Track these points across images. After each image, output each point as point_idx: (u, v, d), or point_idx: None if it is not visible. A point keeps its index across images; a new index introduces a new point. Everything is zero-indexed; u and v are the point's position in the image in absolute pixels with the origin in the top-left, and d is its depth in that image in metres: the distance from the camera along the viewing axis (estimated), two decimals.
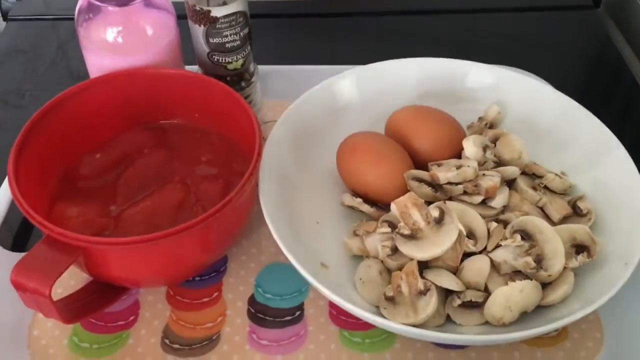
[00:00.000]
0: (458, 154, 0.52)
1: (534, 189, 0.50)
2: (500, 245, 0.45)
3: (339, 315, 0.47)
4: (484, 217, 0.47)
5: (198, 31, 0.52)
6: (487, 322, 0.43)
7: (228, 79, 0.55)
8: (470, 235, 0.45)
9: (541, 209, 0.49)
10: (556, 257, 0.44)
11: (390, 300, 0.44)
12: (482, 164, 0.50)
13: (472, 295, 0.43)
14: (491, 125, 0.55)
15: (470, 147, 0.50)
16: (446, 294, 0.45)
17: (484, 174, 0.48)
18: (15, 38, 0.74)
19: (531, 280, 0.43)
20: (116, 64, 0.51)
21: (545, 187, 0.50)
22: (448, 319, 0.44)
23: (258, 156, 0.45)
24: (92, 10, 0.51)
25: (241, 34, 0.53)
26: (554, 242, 0.44)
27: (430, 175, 0.49)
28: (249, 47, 0.54)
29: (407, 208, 0.46)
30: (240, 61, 0.54)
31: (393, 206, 0.46)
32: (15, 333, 0.46)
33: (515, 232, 0.45)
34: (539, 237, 0.44)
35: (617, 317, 0.47)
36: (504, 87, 0.56)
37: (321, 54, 0.72)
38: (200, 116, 0.53)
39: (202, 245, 0.45)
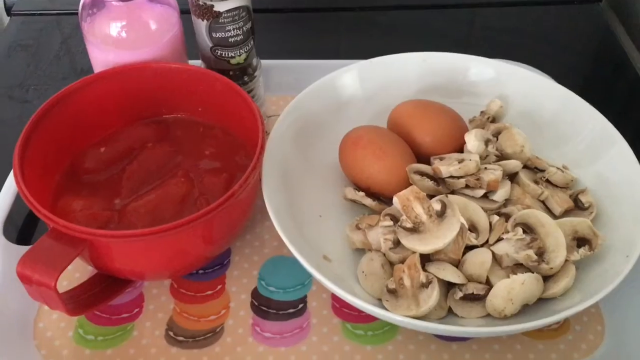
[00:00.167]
0: (460, 147, 0.52)
1: (536, 182, 0.50)
2: (502, 239, 0.45)
3: (341, 308, 0.48)
4: (485, 210, 0.47)
5: (201, 26, 0.52)
6: (488, 315, 0.44)
7: (231, 73, 0.55)
8: (472, 228, 0.46)
9: (543, 202, 0.49)
10: (558, 250, 0.44)
11: (393, 292, 0.44)
12: (484, 158, 0.50)
13: (473, 288, 0.44)
14: (493, 119, 0.55)
15: (472, 140, 0.50)
16: (448, 286, 0.45)
17: (485, 168, 0.49)
18: (19, 33, 0.75)
19: (533, 273, 0.43)
20: (120, 59, 0.51)
21: (547, 181, 0.50)
22: (450, 311, 0.45)
23: (261, 149, 0.46)
24: (96, 5, 0.51)
25: (244, 28, 0.53)
26: (555, 235, 0.44)
27: (433, 168, 0.49)
28: (251, 42, 0.55)
29: (409, 201, 0.46)
30: (243, 56, 0.54)
31: (395, 199, 0.46)
32: (21, 325, 0.47)
33: (517, 225, 0.45)
34: (540, 230, 0.44)
35: (618, 310, 0.47)
36: (506, 81, 0.56)
37: (324, 48, 0.72)
38: (204, 110, 0.54)
39: (205, 238, 0.45)
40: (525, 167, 0.51)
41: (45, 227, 0.43)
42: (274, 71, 0.65)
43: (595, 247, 0.45)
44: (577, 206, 0.49)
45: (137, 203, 0.47)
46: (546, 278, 0.44)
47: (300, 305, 0.48)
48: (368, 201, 0.50)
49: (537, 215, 0.45)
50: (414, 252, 0.45)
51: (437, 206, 0.45)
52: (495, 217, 0.46)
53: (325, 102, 0.55)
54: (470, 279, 0.44)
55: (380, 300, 0.45)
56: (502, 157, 0.51)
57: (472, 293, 0.44)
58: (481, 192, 0.48)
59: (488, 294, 0.43)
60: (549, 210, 0.49)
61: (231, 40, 0.53)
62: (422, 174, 0.49)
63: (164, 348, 0.46)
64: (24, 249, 0.42)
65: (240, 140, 0.52)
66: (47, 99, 0.49)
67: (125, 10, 0.50)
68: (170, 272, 0.48)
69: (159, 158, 0.51)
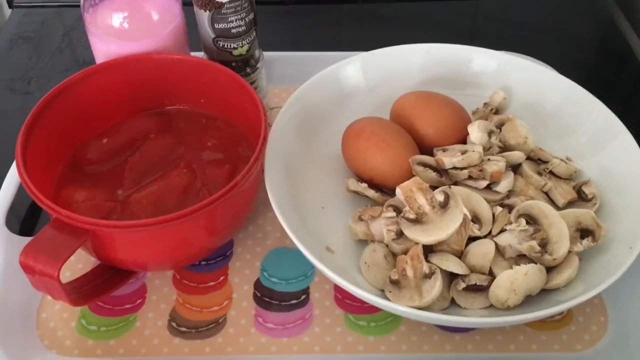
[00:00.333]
0: (463, 139, 0.52)
1: (539, 174, 0.50)
2: (505, 230, 0.45)
3: (344, 299, 0.48)
4: (489, 201, 0.47)
5: (203, 16, 0.52)
6: (491, 306, 0.44)
7: (233, 64, 0.55)
8: (475, 219, 0.46)
9: (546, 194, 0.49)
10: (561, 241, 0.44)
11: (395, 283, 0.44)
12: (487, 149, 0.50)
13: (476, 279, 0.44)
14: (497, 111, 0.55)
15: (475, 132, 0.50)
16: (451, 277, 0.45)
17: (489, 159, 0.48)
18: (21, 25, 0.75)
19: (536, 264, 0.43)
20: (122, 50, 0.51)
21: (551, 172, 0.50)
22: (453, 302, 0.45)
23: (264, 140, 0.46)
24: None
25: (246, 19, 0.53)
26: (558, 226, 0.44)
27: (436, 160, 0.49)
28: (254, 33, 0.54)
29: (412, 192, 0.46)
30: (246, 47, 0.54)
31: (398, 191, 0.46)
32: (24, 316, 0.47)
33: (520, 216, 0.45)
34: (543, 221, 0.44)
35: (621, 301, 0.47)
36: (509, 72, 0.56)
37: (327, 40, 0.72)
38: (206, 102, 0.53)
39: (208, 229, 0.45)
40: (528, 158, 0.51)
41: (48, 218, 0.43)
42: (276, 63, 0.65)
43: (599, 239, 0.45)
44: (581, 197, 0.49)
45: (140, 194, 0.47)
46: (549, 269, 0.44)
47: (303, 297, 0.48)
48: (371, 192, 0.50)
49: (541, 206, 0.45)
50: (416, 243, 0.45)
51: (440, 197, 0.45)
52: (499, 208, 0.46)
53: (328, 93, 0.55)
54: (473, 269, 0.44)
55: (383, 291, 0.45)
56: (505, 148, 0.51)
57: (475, 284, 0.44)
58: (484, 183, 0.48)
59: (491, 284, 0.43)
60: (552, 202, 0.49)
61: (233, 31, 0.53)
62: (425, 165, 0.49)
63: (166, 339, 0.46)
64: (27, 240, 0.42)
65: (243, 131, 0.52)
66: (49, 91, 0.49)
67: (128, 1, 0.50)
68: (173, 263, 0.48)
69: (162, 149, 0.51)
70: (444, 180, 0.48)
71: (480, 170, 0.48)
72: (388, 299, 0.43)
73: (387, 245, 0.47)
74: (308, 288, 0.48)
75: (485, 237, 0.45)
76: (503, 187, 0.48)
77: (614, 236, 0.45)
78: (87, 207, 0.46)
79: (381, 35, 0.72)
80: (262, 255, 0.50)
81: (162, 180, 0.48)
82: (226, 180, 0.46)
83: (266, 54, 0.59)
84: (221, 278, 0.49)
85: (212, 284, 0.49)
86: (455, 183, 0.49)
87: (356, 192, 0.51)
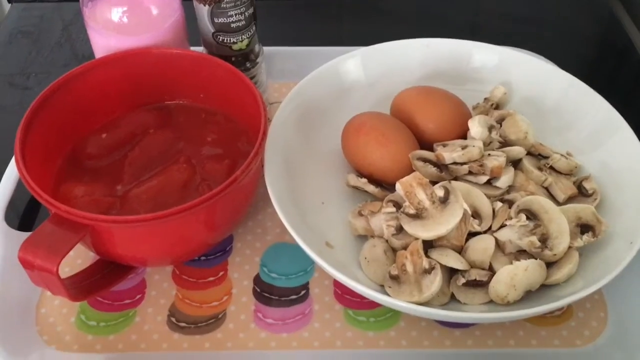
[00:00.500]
0: (463, 134, 0.51)
1: (540, 169, 0.50)
2: (505, 225, 0.45)
3: (343, 295, 0.48)
4: (489, 197, 0.47)
5: (203, 11, 0.52)
6: (491, 301, 0.44)
7: (233, 59, 0.55)
8: (475, 214, 0.45)
9: (546, 189, 0.49)
10: (561, 236, 0.44)
11: (395, 279, 0.44)
12: (487, 144, 0.50)
13: (476, 274, 0.43)
14: (497, 106, 0.55)
15: (476, 127, 0.50)
16: (451, 273, 0.45)
17: (489, 154, 0.48)
18: (20, 20, 0.74)
19: (536, 259, 0.43)
20: (121, 44, 0.51)
21: (551, 168, 0.50)
22: (452, 298, 0.44)
23: (263, 135, 0.45)
24: None
25: (246, 13, 0.52)
26: (559, 221, 0.44)
27: (436, 155, 0.49)
28: (254, 27, 0.54)
29: (412, 187, 0.46)
30: (245, 41, 0.54)
31: (398, 186, 0.46)
32: (23, 311, 0.47)
33: (520, 211, 0.45)
34: (544, 216, 0.44)
35: (621, 296, 0.47)
36: (510, 67, 0.56)
37: (327, 35, 0.72)
38: (206, 96, 0.53)
39: (207, 224, 0.45)
40: (529, 153, 0.51)
41: (47, 213, 0.43)
42: (276, 58, 0.65)
43: (599, 234, 0.45)
44: (581, 193, 0.49)
45: (139, 189, 0.47)
46: (549, 264, 0.44)
47: (303, 292, 0.48)
48: (371, 188, 0.50)
49: (541, 202, 0.45)
50: (416, 239, 0.45)
51: (440, 192, 0.45)
52: (499, 204, 0.46)
53: (328, 88, 0.55)
54: (473, 265, 0.44)
55: (382, 286, 0.45)
56: (505, 143, 0.51)
57: (475, 279, 0.43)
58: (484, 178, 0.48)
59: (491, 280, 0.43)
60: (552, 197, 0.49)
61: (233, 25, 0.52)
62: (425, 160, 0.49)
63: (166, 334, 0.46)
64: (26, 235, 0.42)
65: (243, 126, 0.51)
66: (48, 86, 0.48)
67: None
68: (172, 258, 0.48)
69: (161, 144, 0.50)
70: (444, 175, 0.48)
71: (481, 166, 0.47)
72: (388, 295, 0.43)
73: (386, 241, 0.47)
74: (308, 283, 0.48)
75: (485, 232, 0.45)
76: (503, 182, 0.48)
77: (614, 231, 0.45)
78: (87, 202, 0.46)
79: (382, 30, 0.72)
80: (261, 251, 0.50)
81: (162, 175, 0.48)
82: (226, 176, 0.46)
83: (266, 48, 0.58)
84: (221, 273, 0.49)
85: (211, 279, 0.49)
86: (456, 178, 0.49)
87: (356, 187, 0.51)
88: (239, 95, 0.50)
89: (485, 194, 0.46)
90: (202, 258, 0.50)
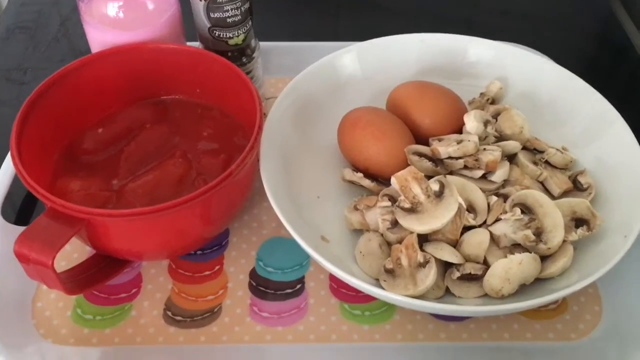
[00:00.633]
0: (459, 129, 0.52)
1: (535, 163, 0.50)
2: (500, 219, 0.45)
3: (339, 288, 0.48)
4: (484, 191, 0.47)
5: (199, 6, 0.52)
6: (486, 295, 0.44)
7: (229, 54, 0.55)
8: (470, 209, 0.46)
9: (542, 183, 0.49)
10: (555, 230, 0.44)
11: (390, 272, 0.44)
12: (483, 139, 0.50)
13: (471, 268, 0.44)
14: (493, 101, 0.55)
15: (471, 121, 0.50)
16: (445, 266, 0.45)
17: (484, 149, 0.48)
18: (17, 15, 0.74)
19: (530, 253, 0.43)
20: (117, 39, 0.51)
21: (546, 162, 0.50)
22: (447, 291, 0.45)
23: (259, 129, 0.46)
24: None
25: (242, 8, 0.52)
26: (553, 215, 0.44)
27: (431, 149, 0.49)
28: (250, 22, 0.54)
29: (407, 182, 0.46)
30: (242, 36, 0.54)
31: (393, 180, 0.46)
32: (19, 305, 0.47)
33: (515, 205, 0.45)
34: (538, 210, 0.44)
35: (616, 290, 0.47)
36: (506, 62, 0.56)
37: (323, 30, 0.72)
38: (202, 91, 0.53)
39: (203, 218, 0.45)
40: (524, 148, 0.51)
41: (44, 208, 0.43)
42: (273, 53, 0.64)
43: (594, 228, 0.45)
44: (576, 187, 0.49)
45: (135, 184, 0.47)
46: (544, 258, 0.44)
47: (298, 286, 0.48)
48: (366, 182, 0.50)
49: (535, 196, 0.45)
50: (411, 232, 0.45)
51: (435, 186, 0.45)
52: (494, 198, 0.46)
53: (324, 83, 0.55)
54: (467, 259, 0.44)
55: (377, 280, 0.45)
56: (501, 138, 0.51)
57: (470, 273, 0.44)
58: (480, 172, 0.48)
59: (485, 273, 0.43)
60: (547, 191, 0.49)
61: (229, 20, 0.52)
62: (421, 154, 0.49)
63: (162, 327, 0.46)
64: (23, 229, 0.42)
65: (239, 121, 0.51)
66: (43, 81, 0.48)
67: None
68: (168, 252, 0.48)
69: (157, 139, 0.50)
70: (440, 169, 0.48)
71: (476, 160, 0.48)
72: (383, 288, 0.43)
73: (382, 235, 0.47)
74: (303, 277, 0.48)
75: (480, 226, 0.45)
76: (498, 176, 0.48)
77: (608, 225, 0.45)
78: (83, 196, 0.46)
79: (378, 25, 0.72)
80: (257, 245, 0.50)
81: (158, 169, 0.48)
82: (222, 170, 0.46)
83: (263, 44, 0.58)
84: (217, 267, 0.49)
85: (207, 273, 0.49)
86: (451, 173, 0.49)
87: (352, 182, 0.51)
88: (235, 90, 0.50)
89: (480, 188, 0.47)
90: (198, 252, 0.50)
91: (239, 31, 0.54)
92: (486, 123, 0.50)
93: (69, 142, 0.50)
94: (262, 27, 0.58)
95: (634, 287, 0.47)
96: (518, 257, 0.43)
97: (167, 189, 0.47)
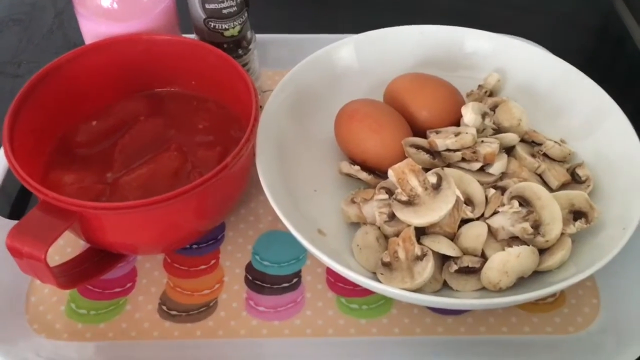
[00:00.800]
0: (457, 121, 0.51)
1: (533, 156, 0.49)
2: (497, 212, 0.45)
3: (336, 282, 0.47)
4: (482, 183, 0.46)
5: None
6: (483, 288, 0.43)
7: (225, 46, 0.54)
8: (468, 201, 0.45)
9: (540, 176, 0.49)
10: (553, 222, 0.43)
11: (387, 265, 0.44)
12: (481, 131, 0.50)
13: (469, 261, 0.43)
14: (491, 93, 0.55)
15: (469, 114, 0.49)
16: (443, 259, 0.45)
17: (482, 141, 0.48)
18: (11, 7, 0.74)
19: (528, 246, 0.43)
20: (111, 31, 0.50)
21: (545, 155, 0.50)
22: (445, 285, 0.44)
23: (255, 121, 0.45)
24: None
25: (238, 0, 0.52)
26: (551, 208, 0.44)
27: (429, 142, 0.49)
28: (246, 14, 0.54)
29: (405, 174, 0.45)
30: (237, 28, 0.53)
31: (390, 172, 0.46)
32: (12, 300, 0.46)
33: (513, 198, 0.44)
34: (536, 203, 0.44)
35: (614, 283, 0.47)
36: (504, 54, 0.56)
37: (321, 22, 0.72)
38: (197, 84, 0.53)
39: (198, 211, 0.45)
40: (522, 140, 0.50)
41: (38, 201, 0.42)
42: (270, 46, 0.64)
43: (592, 220, 0.44)
44: (574, 179, 0.49)
45: (129, 177, 0.47)
46: (542, 251, 0.44)
47: (295, 280, 0.48)
48: (363, 175, 0.49)
49: (533, 188, 0.44)
50: (408, 225, 0.44)
51: (432, 179, 0.45)
52: (491, 190, 0.46)
53: (321, 75, 0.55)
54: (465, 252, 0.44)
55: (375, 273, 0.44)
56: (499, 130, 0.50)
57: (467, 266, 0.43)
58: (477, 165, 0.47)
59: (483, 266, 0.43)
60: (545, 184, 0.48)
61: (225, 11, 0.52)
62: (418, 147, 0.48)
63: (157, 322, 0.45)
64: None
65: (235, 113, 0.51)
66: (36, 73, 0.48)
67: None
68: (163, 246, 0.48)
69: (152, 132, 0.50)
70: (437, 162, 0.48)
71: (474, 152, 0.47)
72: (380, 282, 0.43)
73: (379, 228, 0.46)
74: (300, 271, 0.48)
75: (477, 219, 0.45)
76: (496, 169, 0.47)
77: (606, 218, 0.45)
78: (76, 189, 0.45)
79: (376, 17, 0.71)
80: (254, 239, 0.50)
81: (153, 162, 0.48)
82: (217, 163, 0.45)
83: (260, 36, 0.58)
84: (212, 261, 0.49)
85: (203, 267, 0.48)
86: (449, 165, 0.48)
87: (349, 175, 0.50)
88: (231, 82, 0.49)
89: (478, 181, 0.46)
90: (194, 246, 0.50)
91: (235, 22, 0.53)
92: (484, 115, 0.50)
93: (62, 135, 0.50)
94: (258, 19, 0.57)
95: (632, 279, 0.47)
96: (516, 250, 0.42)
97: (162, 182, 0.46)
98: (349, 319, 0.45)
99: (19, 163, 0.42)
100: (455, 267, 0.43)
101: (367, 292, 0.46)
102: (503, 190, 0.45)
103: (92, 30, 0.51)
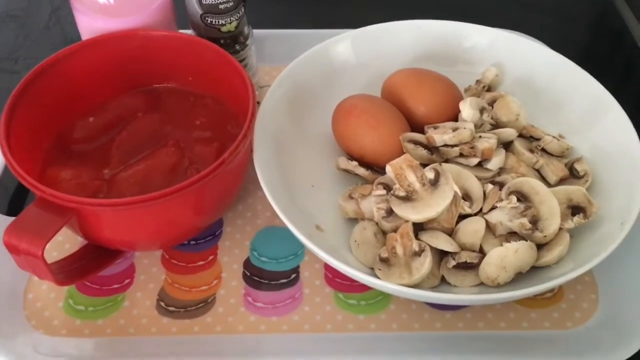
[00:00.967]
0: (455, 117, 0.51)
1: (531, 151, 0.49)
2: (495, 207, 0.45)
3: (334, 278, 0.47)
4: (480, 179, 0.46)
5: None
6: (481, 283, 0.43)
7: (222, 42, 0.54)
8: (466, 197, 0.45)
9: (538, 171, 0.49)
10: (552, 218, 0.43)
11: (385, 261, 0.44)
12: (479, 127, 0.49)
13: (467, 256, 0.43)
14: (489, 88, 0.55)
15: (467, 109, 0.49)
16: (441, 255, 0.44)
17: (480, 136, 0.48)
18: (8, 3, 0.73)
19: (526, 241, 0.43)
20: (108, 26, 0.50)
21: (543, 150, 0.50)
22: (443, 280, 0.44)
23: (252, 117, 0.45)
24: None
25: None
26: (549, 203, 0.44)
27: (427, 137, 0.48)
28: (242, 9, 0.54)
29: (402, 170, 0.45)
30: (234, 23, 0.53)
31: (388, 168, 0.46)
32: (10, 296, 0.46)
33: (511, 193, 0.44)
34: (534, 198, 0.44)
35: (612, 278, 0.47)
36: (501, 49, 0.56)
37: (318, 17, 0.71)
38: (194, 80, 0.53)
39: (196, 207, 0.45)
40: (520, 135, 0.50)
41: (35, 198, 0.42)
42: (267, 41, 0.64)
43: (590, 215, 0.44)
44: (573, 175, 0.48)
45: (127, 173, 0.46)
46: (540, 246, 0.44)
47: (293, 276, 0.48)
48: (361, 170, 0.49)
49: (531, 183, 0.44)
50: (406, 221, 0.44)
51: (430, 175, 0.45)
52: (489, 186, 0.45)
53: (318, 71, 0.55)
54: (463, 247, 0.44)
55: (372, 269, 0.44)
56: (497, 125, 0.50)
57: (465, 261, 0.43)
58: (475, 160, 0.47)
59: (481, 262, 0.43)
60: (544, 179, 0.48)
61: (221, 7, 0.52)
62: (416, 142, 0.48)
63: (155, 318, 0.45)
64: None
65: (232, 109, 0.51)
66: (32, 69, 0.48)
67: None
68: (161, 242, 0.48)
69: (149, 128, 0.50)
70: (435, 157, 0.48)
71: (472, 148, 0.47)
72: (378, 277, 0.43)
73: (377, 223, 0.46)
74: (298, 267, 0.48)
75: (475, 214, 0.45)
76: (494, 164, 0.47)
77: (605, 213, 0.45)
78: (73, 185, 0.45)
79: (374, 11, 0.71)
80: (251, 235, 0.50)
81: (150, 159, 0.47)
82: (215, 159, 0.45)
83: (257, 31, 0.58)
84: (210, 257, 0.49)
85: (201, 263, 0.48)
86: (446, 161, 0.48)
87: (346, 170, 0.50)
88: (228, 78, 0.49)
89: (476, 176, 0.46)
90: (192, 242, 0.50)
91: (232, 18, 0.53)
92: (482, 110, 0.50)
93: (59, 131, 0.50)
94: (255, 14, 0.57)
95: (630, 274, 0.47)
96: (514, 245, 0.42)
97: (159, 178, 0.46)
98: (347, 315, 0.45)
99: (15, 159, 0.42)
100: (453, 263, 0.43)
101: (365, 287, 0.46)
102: (501, 185, 0.45)
103: (89, 26, 0.51)
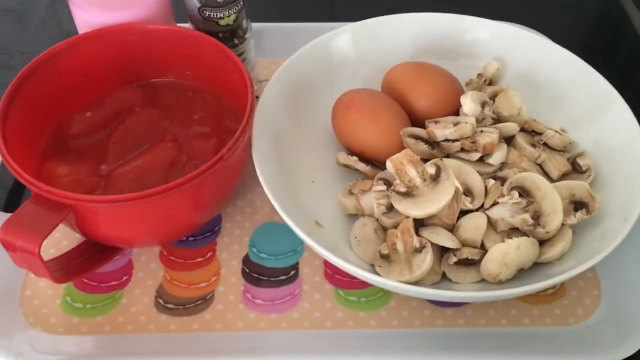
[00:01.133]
0: (456, 111, 0.51)
1: (533, 145, 0.49)
2: (497, 203, 0.44)
3: (334, 275, 0.47)
4: (481, 174, 0.46)
5: None
6: (483, 280, 0.43)
7: (220, 35, 0.53)
8: (467, 192, 0.45)
9: (540, 166, 0.48)
10: (554, 213, 0.43)
11: (385, 258, 0.43)
12: (480, 121, 0.49)
13: (468, 253, 0.43)
14: (490, 82, 0.54)
15: (468, 103, 0.49)
16: (442, 251, 0.44)
17: (481, 131, 0.47)
18: None
19: (528, 237, 0.42)
20: (105, 20, 0.50)
21: (545, 144, 0.49)
22: (444, 277, 0.44)
23: (251, 112, 0.44)
24: None
25: None
26: (551, 198, 0.43)
27: (427, 132, 0.48)
28: (241, 2, 0.53)
29: (403, 165, 0.45)
30: (233, 17, 0.53)
31: (388, 163, 0.45)
32: (7, 293, 0.46)
33: (513, 188, 0.44)
34: (536, 193, 0.43)
35: (615, 274, 0.46)
36: (503, 42, 0.55)
37: (317, 10, 0.71)
38: (193, 74, 0.52)
39: (194, 203, 0.44)
40: (522, 130, 0.50)
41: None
42: (266, 35, 0.63)
43: (593, 211, 0.44)
44: (575, 169, 0.48)
45: (124, 168, 0.46)
46: (542, 242, 0.43)
47: (292, 272, 0.47)
48: (361, 166, 0.49)
49: (533, 178, 0.44)
50: (407, 217, 0.44)
51: (431, 170, 0.44)
52: (491, 181, 0.45)
53: (318, 64, 0.54)
54: (464, 243, 0.44)
55: (373, 266, 0.44)
56: (498, 120, 0.50)
57: (467, 258, 0.43)
58: (477, 155, 0.47)
59: (483, 258, 0.42)
60: (546, 174, 0.48)
61: (220, 0, 0.51)
62: (417, 137, 0.48)
63: (153, 315, 0.45)
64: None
65: (230, 104, 0.50)
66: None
67: None
68: (160, 239, 0.47)
69: (147, 122, 0.49)
70: (436, 152, 0.47)
71: (473, 142, 0.47)
72: (378, 274, 0.42)
73: (377, 219, 0.46)
74: (297, 263, 0.48)
75: (477, 210, 0.45)
76: (496, 159, 0.47)
77: (608, 208, 0.44)
78: (70, 181, 0.45)
79: (375, 5, 0.70)
80: (250, 231, 0.50)
81: (148, 154, 0.47)
82: (213, 154, 0.45)
83: (256, 25, 0.57)
84: (209, 254, 0.48)
85: (199, 259, 0.48)
86: (447, 155, 0.48)
87: (346, 166, 0.50)
88: (226, 72, 0.49)
89: (477, 171, 0.46)
90: (190, 238, 0.49)
91: (230, 11, 0.52)
92: (483, 104, 0.49)
93: (56, 127, 0.49)
94: (254, 7, 0.56)
95: (633, 270, 0.46)
96: (516, 241, 0.42)
97: (157, 174, 0.45)
98: (347, 312, 0.45)
99: (11, 155, 0.42)
100: (454, 259, 0.43)
101: (365, 284, 0.46)
102: (503, 180, 0.45)
103: (85, 19, 0.51)
